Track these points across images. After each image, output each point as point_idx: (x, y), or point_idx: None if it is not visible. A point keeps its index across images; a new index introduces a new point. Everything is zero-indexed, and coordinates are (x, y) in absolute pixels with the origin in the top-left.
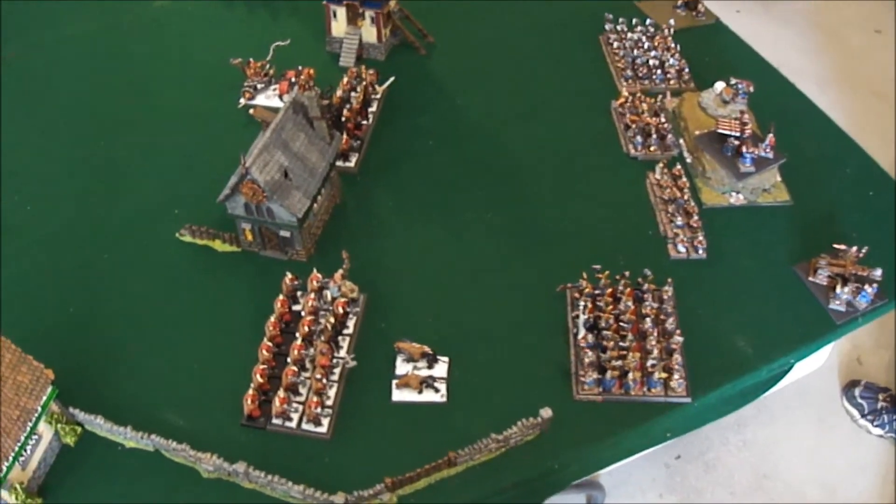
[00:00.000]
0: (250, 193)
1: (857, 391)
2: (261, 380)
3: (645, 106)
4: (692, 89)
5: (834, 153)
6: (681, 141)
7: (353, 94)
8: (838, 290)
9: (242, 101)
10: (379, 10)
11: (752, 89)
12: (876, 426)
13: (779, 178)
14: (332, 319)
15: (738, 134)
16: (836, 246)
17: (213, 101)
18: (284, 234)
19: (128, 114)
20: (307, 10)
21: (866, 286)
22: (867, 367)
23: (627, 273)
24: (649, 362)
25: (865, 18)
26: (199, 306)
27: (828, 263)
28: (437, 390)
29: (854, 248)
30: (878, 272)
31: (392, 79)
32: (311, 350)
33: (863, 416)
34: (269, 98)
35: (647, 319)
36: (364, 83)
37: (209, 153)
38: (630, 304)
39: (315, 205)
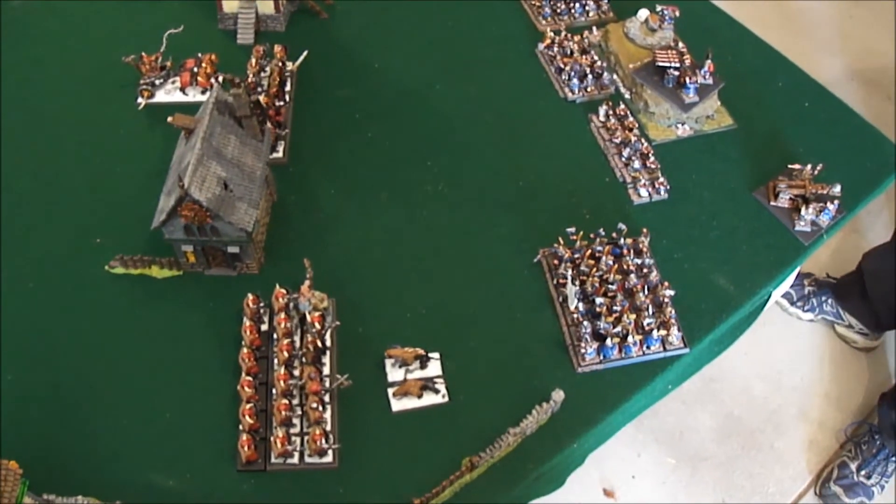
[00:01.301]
0: (192, 215)
1: None
2: (251, 420)
3: (574, 45)
4: (613, 19)
5: (762, 68)
6: (615, 77)
7: (263, 74)
8: (802, 211)
9: (141, 100)
10: None
11: (677, 13)
12: (806, 311)
13: (719, 103)
14: (310, 338)
15: (677, 65)
16: (790, 166)
17: (108, 107)
18: (233, 250)
19: (10, 136)
20: None
21: (828, 203)
22: None
23: (602, 231)
24: (645, 321)
25: None
26: (153, 345)
27: (787, 186)
28: (437, 391)
29: (808, 167)
30: (838, 188)
31: (305, 52)
32: (296, 375)
33: (792, 304)
34: (169, 93)
35: (632, 276)
36: (275, 60)
37: (118, 165)
38: (610, 261)
39: (258, 212)
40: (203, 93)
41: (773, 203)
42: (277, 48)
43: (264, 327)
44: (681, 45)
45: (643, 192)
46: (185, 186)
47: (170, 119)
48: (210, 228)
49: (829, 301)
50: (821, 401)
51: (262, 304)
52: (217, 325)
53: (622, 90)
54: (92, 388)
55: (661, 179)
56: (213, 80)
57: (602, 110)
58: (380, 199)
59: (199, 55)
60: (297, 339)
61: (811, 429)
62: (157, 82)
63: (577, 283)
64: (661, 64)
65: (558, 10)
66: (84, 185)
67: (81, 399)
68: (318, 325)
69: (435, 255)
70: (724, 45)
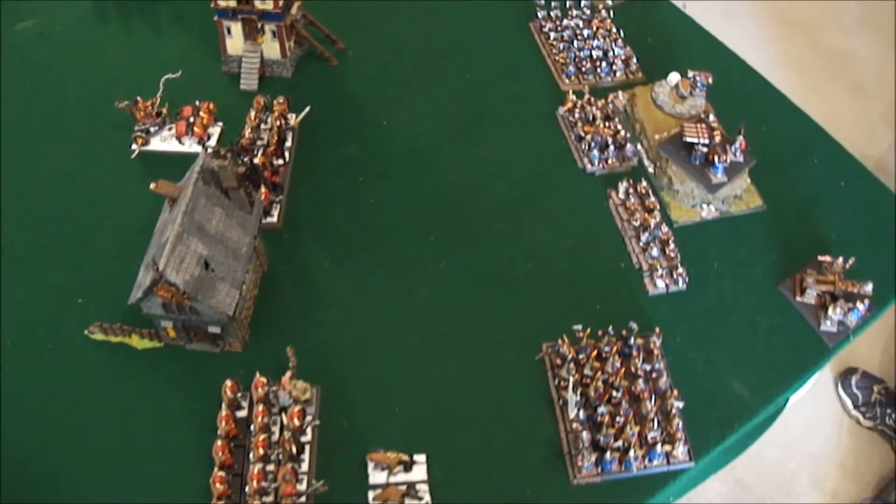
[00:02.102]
0: (168, 296)
1: (853, 380)
2: None
3: (596, 111)
4: (641, 80)
5: (798, 140)
6: (639, 147)
7: (263, 126)
8: (830, 311)
9: (135, 147)
10: (281, 23)
11: (710, 80)
12: (867, 419)
13: (748, 181)
14: (287, 436)
15: (706, 141)
16: (820, 258)
17: (102, 151)
18: (214, 329)
19: (7, 176)
20: (195, 20)
21: (857, 303)
22: (860, 354)
23: (611, 329)
24: (650, 434)
25: None
26: (128, 423)
27: (815, 281)
28: (420, 499)
29: (840, 260)
30: (869, 287)
31: (307, 108)
32: (271, 472)
33: (855, 407)
34: (165, 141)
35: (639, 381)
36: (274, 115)
37: (106, 218)
38: (618, 363)
39: (243, 287)
40: (199, 143)
41: (798, 298)
42: (279, 101)
43: (243, 413)
44: (711, 117)
45: (660, 283)
46: (161, 269)
47: (152, 186)
48: (189, 308)
49: (895, 416)
50: (836, 471)
51: (240, 391)
52: (195, 404)
53: (646, 163)
54: (62, 455)
55: (681, 270)
56: (204, 145)
57: (622, 187)
58: (376, 274)
59: (197, 103)
60: (275, 431)
61: (824, 499)
62: (153, 129)
63: (580, 387)
64: (688, 139)
65: (583, 69)
66: (71, 239)
67: (52, 469)
68: (296, 422)
69: (431, 342)
70: (759, 113)
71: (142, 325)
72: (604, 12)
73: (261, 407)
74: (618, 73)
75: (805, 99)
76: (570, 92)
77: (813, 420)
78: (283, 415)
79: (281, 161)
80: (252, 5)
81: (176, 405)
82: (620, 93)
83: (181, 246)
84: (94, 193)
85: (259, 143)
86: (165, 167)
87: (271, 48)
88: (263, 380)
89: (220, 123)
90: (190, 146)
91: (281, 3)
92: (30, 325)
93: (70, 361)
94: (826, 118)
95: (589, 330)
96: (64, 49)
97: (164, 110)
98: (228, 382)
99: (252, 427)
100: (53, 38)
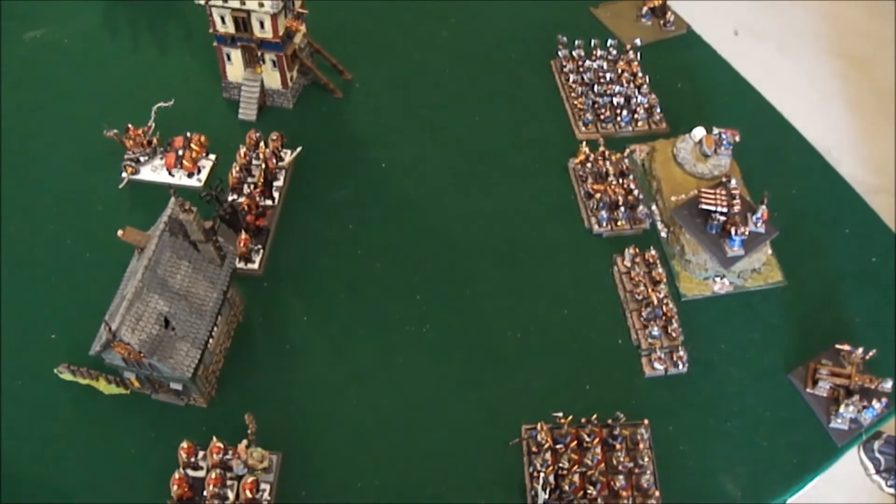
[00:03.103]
0: (125, 353)
1: (876, 444)
2: None
3: (610, 166)
4: (664, 131)
5: (830, 206)
6: (653, 208)
7: (255, 162)
8: (842, 407)
9: (124, 175)
10: (281, 53)
11: (737, 139)
12: (890, 486)
13: (769, 252)
14: None
15: (724, 210)
16: (838, 346)
17: (90, 177)
18: (175, 386)
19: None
20: (203, 39)
21: (874, 401)
22: None
23: (595, 418)
24: None
25: None
26: (87, 470)
27: (829, 373)
28: None
29: (860, 350)
30: (889, 384)
31: (299, 149)
32: None
33: (878, 471)
34: (155, 171)
35: (620, 476)
36: (265, 152)
37: (89, 250)
38: (598, 455)
39: (210, 341)
40: (189, 176)
41: (809, 390)
42: (272, 137)
43: (202, 472)
44: (733, 182)
45: (658, 365)
46: (114, 329)
47: (120, 233)
48: (149, 364)
49: None
50: None
51: (198, 451)
52: (154, 457)
53: (659, 226)
54: (18, 490)
55: (682, 353)
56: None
57: (629, 254)
58: (355, 334)
59: (188, 134)
60: (231, 497)
61: None
62: (142, 158)
63: (555, 478)
64: (705, 207)
65: (602, 117)
66: (49, 270)
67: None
68: (248, 494)
69: (404, 413)
70: (791, 173)
71: (110, 370)
72: (631, 53)
73: (214, 473)
74: (639, 123)
75: (857, 142)
76: (585, 143)
77: (833, 484)
78: (238, 484)
79: (269, 202)
80: (251, 33)
81: (135, 456)
82: (638, 147)
83: (139, 303)
84: (79, 223)
85: (250, 179)
86: (153, 199)
87: (272, 78)
88: (220, 445)
89: (213, 156)
90: (180, 178)
91: (281, 33)
92: (1, 358)
93: (37, 399)
94: (879, 164)
95: (571, 417)
96: (69, 62)
97: (156, 140)
98: (185, 444)
99: (205, 492)
100: (60, 50)
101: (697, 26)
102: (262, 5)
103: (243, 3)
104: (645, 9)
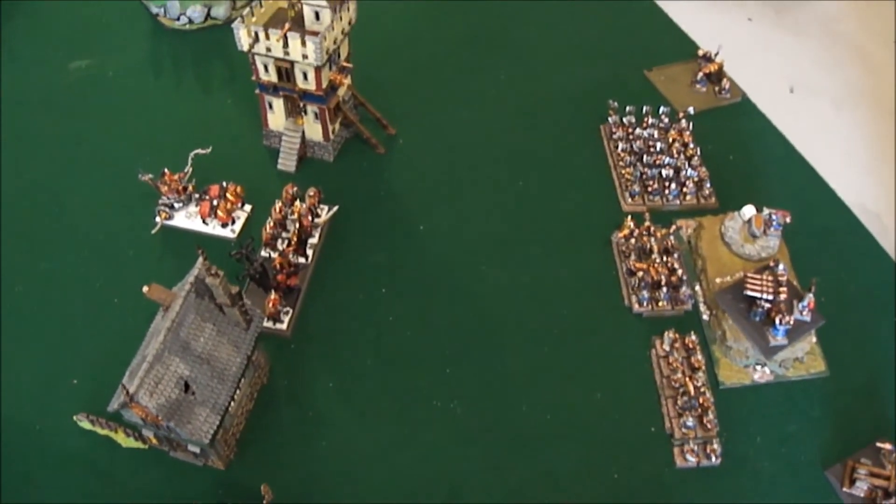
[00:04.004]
0: (143, 415)
1: None
2: None
3: (654, 243)
4: (713, 206)
5: (881, 292)
6: (697, 288)
7: (290, 217)
8: None
9: (158, 220)
10: (324, 106)
11: (788, 220)
12: None
13: (814, 340)
14: None
15: (770, 297)
16: (879, 444)
17: (123, 219)
18: (193, 448)
19: (28, 227)
20: (247, 82)
21: None
22: None
23: None
24: None
25: (887, 25)
26: None
27: (868, 473)
28: None
29: None
30: None
31: (335, 208)
32: None
33: None
34: (190, 218)
35: None
36: (300, 210)
37: (117, 295)
38: None
39: (232, 405)
40: (223, 226)
41: (846, 489)
42: (310, 193)
43: None
44: (781, 267)
45: (690, 457)
46: (132, 392)
47: (145, 290)
48: (167, 426)
49: None
50: None
51: None
52: None
53: (701, 307)
54: None
55: (715, 446)
56: (201, 255)
57: (668, 338)
58: (380, 406)
59: (224, 184)
60: None
61: None
62: (177, 205)
63: None
64: (750, 293)
65: (650, 189)
66: (76, 313)
67: None
68: None
69: (424, 495)
70: (841, 256)
71: (130, 424)
72: (684, 122)
73: None
74: (688, 197)
75: None
76: (630, 216)
77: None
78: None
79: (302, 260)
80: (294, 84)
81: None
82: (685, 224)
83: (159, 366)
84: (109, 267)
85: (284, 234)
86: (185, 246)
87: (313, 129)
88: None
89: (248, 207)
90: (214, 228)
91: (324, 86)
92: (22, 400)
93: (54, 445)
94: None
95: None
96: (111, 96)
97: (191, 187)
98: None
99: None
100: (104, 84)
101: (753, 84)
102: (306, 57)
103: (287, 54)
104: (700, 74)
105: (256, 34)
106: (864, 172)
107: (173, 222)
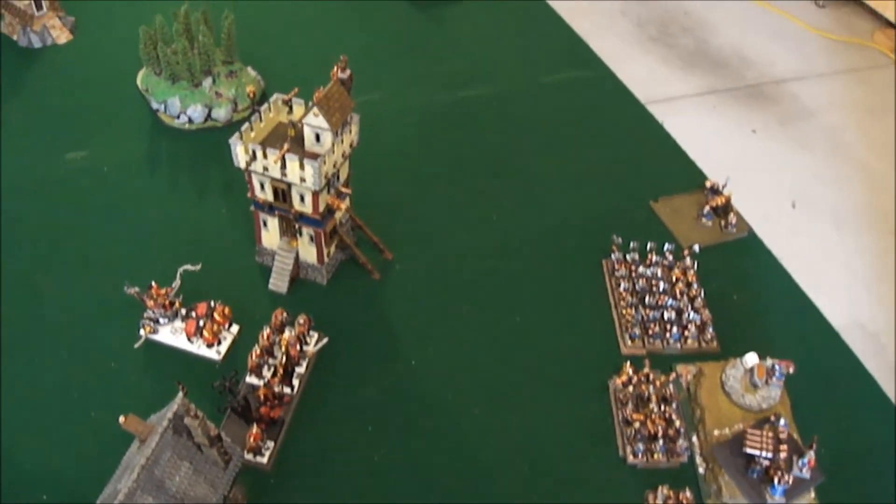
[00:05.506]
0: None
1: None
2: None
3: (653, 392)
4: (714, 351)
5: (883, 443)
6: (693, 439)
7: (276, 345)
8: None
9: (142, 333)
10: (320, 230)
11: (792, 370)
12: None
13: (812, 496)
14: None
15: (769, 455)
16: None
17: (109, 326)
18: None
19: (4, 322)
20: (240, 193)
21: None
22: None
23: None
24: None
25: (892, 138)
26: None
27: None
28: None
29: None
30: None
31: (325, 340)
32: None
33: None
34: (174, 334)
35: None
36: (287, 341)
37: (94, 408)
38: None
39: None
40: (209, 347)
41: None
42: (299, 321)
43: None
44: (782, 422)
45: None
46: None
47: (121, 420)
48: None
49: None
50: None
51: None
52: None
53: (697, 460)
54: None
55: None
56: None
57: (661, 494)
58: None
59: (212, 303)
60: None
61: None
62: (162, 320)
63: None
64: (749, 451)
65: (650, 332)
66: (50, 424)
67: None
68: None
69: None
70: (845, 404)
71: None
72: (688, 259)
73: None
74: (689, 341)
75: None
76: (629, 362)
77: None
78: None
79: (287, 390)
80: (290, 205)
81: None
82: (685, 371)
83: None
84: (88, 378)
85: (271, 361)
86: (169, 364)
87: (308, 251)
88: None
89: (236, 327)
90: (199, 347)
91: (321, 209)
92: None
93: None
94: None
95: None
96: (105, 192)
97: (178, 303)
98: None
99: None
100: (99, 177)
101: (756, 204)
102: (303, 180)
103: (284, 176)
104: (707, 208)
105: (254, 152)
106: (866, 302)
107: (158, 337)
